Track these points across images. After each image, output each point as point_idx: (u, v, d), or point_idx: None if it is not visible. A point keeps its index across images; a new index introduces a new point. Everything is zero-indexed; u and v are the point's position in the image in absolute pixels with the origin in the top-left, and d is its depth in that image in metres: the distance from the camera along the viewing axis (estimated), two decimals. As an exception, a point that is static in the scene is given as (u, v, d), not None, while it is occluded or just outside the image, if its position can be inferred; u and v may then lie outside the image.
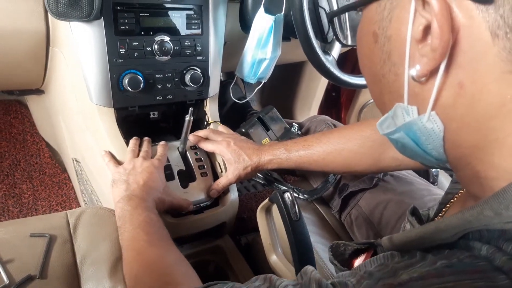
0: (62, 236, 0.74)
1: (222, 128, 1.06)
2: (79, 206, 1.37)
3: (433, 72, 0.32)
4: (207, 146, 0.99)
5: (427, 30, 0.31)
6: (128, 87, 0.91)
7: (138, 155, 0.91)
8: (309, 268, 0.42)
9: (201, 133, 1.02)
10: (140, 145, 0.95)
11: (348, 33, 0.39)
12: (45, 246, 0.71)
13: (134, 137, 0.95)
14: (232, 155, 0.95)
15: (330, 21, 0.44)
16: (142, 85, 0.92)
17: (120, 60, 0.90)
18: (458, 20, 0.30)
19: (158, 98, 0.98)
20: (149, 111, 1.05)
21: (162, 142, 0.97)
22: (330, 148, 0.90)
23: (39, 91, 1.24)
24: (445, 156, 0.38)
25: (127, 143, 0.95)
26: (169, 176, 0.93)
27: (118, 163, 0.90)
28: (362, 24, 0.38)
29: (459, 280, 0.30)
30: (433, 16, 0.30)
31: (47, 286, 0.67)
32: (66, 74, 0.99)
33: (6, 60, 0.97)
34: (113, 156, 0.92)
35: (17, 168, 1.45)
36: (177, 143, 0.99)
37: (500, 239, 0.31)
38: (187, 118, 0.91)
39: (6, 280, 0.65)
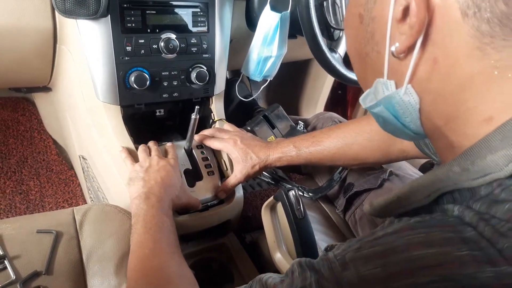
0: (69, 233, 0.74)
1: (228, 126, 1.05)
2: (86, 203, 1.38)
3: (410, 49, 0.35)
4: (213, 144, 0.99)
5: (406, 11, 0.34)
6: (134, 85, 0.91)
7: (149, 154, 0.91)
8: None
9: (207, 132, 1.02)
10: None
11: (338, 17, 0.43)
12: (51, 242, 0.71)
13: (142, 144, 0.94)
14: (239, 153, 0.95)
15: (321, 4, 0.48)
16: (148, 82, 0.92)
17: (126, 58, 0.90)
18: (433, 0, 0.33)
19: (164, 96, 0.98)
20: (155, 108, 1.05)
21: (169, 144, 0.97)
22: (340, 143, 0.90)
23: (46, 89, 1.25)
24: (422, 128, 0.41)
25: (133, 141, 0.95)
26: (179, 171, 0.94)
27: (135, 160, 0.90)
28: (350, 6, 0.42)
29: (430, 232, 0.33)
30: (413, 4, 0.33)
31: (53, 282, 0.67)
32: (73, 72, 0.99)
33: (14, 57, 0.98)
34: (130, 153, 0.92)
35: (25, 165, 1.46)
36: (183, 143, 0.99)
37: (470, 200, 0.34)
38: (193, 116, 0.91)
39: (12, 275, 0.65)
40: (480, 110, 0.34)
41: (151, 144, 0.94)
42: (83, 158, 1.15)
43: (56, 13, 0.90)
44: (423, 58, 0.36)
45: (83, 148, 1.13)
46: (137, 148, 0.93)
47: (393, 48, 0.37)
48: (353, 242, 0.38)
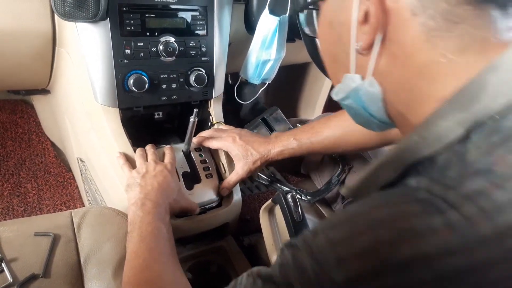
0: (66, 236, 0.74)
1: (224, 127, 1.06)
2: (83, 205, 1.38)
3: (372, 46, 0.41)
4: (212, 144, 0.99)
5: (367, 15, 0.40)
6: (133, 88, 0.91)
7: (146, 158, 0.90)
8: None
9: (204, 133, 1.02)
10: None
11: (315, 25, 0.48)
12: (49, 245, 0.71)
13: (140, 148, 0.94)
14: (239, 150, 0.95)
15: (296, 15, 0.55)
16: (147, 85, 0.92)
17: (125, 61, 0.90)
18: (388, 4, 0.39)
19: (163, 98, 0.98)
20: (153, 111, 1.05)
21: (167, 146, 0.97)
22: (340, 131, 0.92)
23: (45, 91, 1.25)
24: (386, 117, 0.46)
25: (132, 143, 0.95)
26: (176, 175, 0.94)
27: (133, 166, 0.90)
28: (322, 15, 0.48)
29: (390, 198, 0.37)
30: (371, 3, 0.39)
31: (50, 285, 0.67)
32: (72, 74, 0.99)
33: (13, 60, 0.98)
34: (128, 158, 0.91)
35: (22, 168, 1.46)
36: (181, 145, 1.00)
37: (430, 171, 0.37)
38: (191, 119, 0.91)
39: (10, 278, 0.65)
40: (434, 92, 0.39)
41: (148, 147, 0.94)
42: (81, 160, 1.15)
43: (56, 16, 0.90)
44: (384, 54, 0.41)
45: (81, 150, 1.13)
46: (135, 151, 0.93)
47: (357, 47, 0.42)
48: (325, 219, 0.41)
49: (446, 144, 0.36)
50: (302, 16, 0.59)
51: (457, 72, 0.37)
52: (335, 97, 0.49)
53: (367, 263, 0.33)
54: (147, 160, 0.90)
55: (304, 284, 0.37)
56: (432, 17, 0.37)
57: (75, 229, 0.76)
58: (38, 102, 1.52)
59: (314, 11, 0.51)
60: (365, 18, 0.40)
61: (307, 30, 0.57)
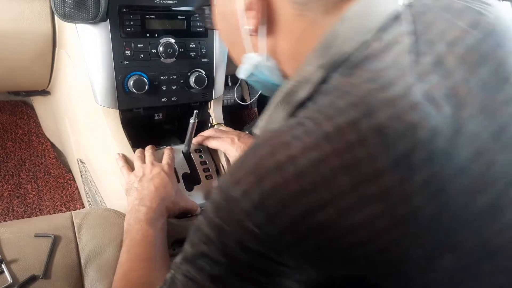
0: (67, 237, 0.74)
1: (225, 128, 1.06)
2: (83, 206, 1.38)
3: (259, 28, 0.49)
4: (211, 143, 0.99)
5: (250, 3, 0.47)
6: (133, 89, 0.91)
7: (144, 160, 0.90)
8: None
9: (204, 133, 1.02)
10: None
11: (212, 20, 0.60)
12: (49, 247, 0.71)
13: (139, 149, 0.93)
14: (238, 151, 0.94)
15: (198, 12, 0.65)
16: (147, 87, 0.92)
17: (125, 62, 0.90)
18: None
19: (163, 100, 0.98)
20: (153, 113, 1.05)
21: (167, 147, 0.97)
22: None
23: (45, 92, 1.25)
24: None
25: (132, 145, 0.95)
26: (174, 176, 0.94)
27: (132, 168, 0.89)
28: (214, 9, 0.56)
29: (276, 130, 0.43)
30: None
31: (50, 286, 0.67)
32: (72, 76, 0.99)
33: (13, 61, 0.98)
34: (127, 161, 0.91)
35: (22, 169, 1.46)
36: (181, 147, 0.99)
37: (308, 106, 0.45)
38: (191, 120, 0.91)
39: (10, 279, 0.65)
40: (308, 51, 0.46)
41: (147, 149, 0.94)
42: (81, 161, 1.15)
43: (56, 17, 0.90)
44: (270, 32, 0.49)
45: (81, 151, 1.13)
46: (135, 152, 0.93)
47: (247, 30, 0.49)
48: None
49: (314, 85, 0.45)
50: (203, 12, 0.72)
51: (322, 31, 0.45)
52: (240, 75, 0.57)
53: (253, 176, 0.40)
54: (145, 162, 0.90)
55: (214, 228, 0.43)
56: None
57: (76, 231, 0.76)
58: (38, 103, 1.52)
59: (209, 8, 0.60)
60: (249, 6, 0.47)
61: (208, 25, 0.68)
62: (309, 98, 0.45)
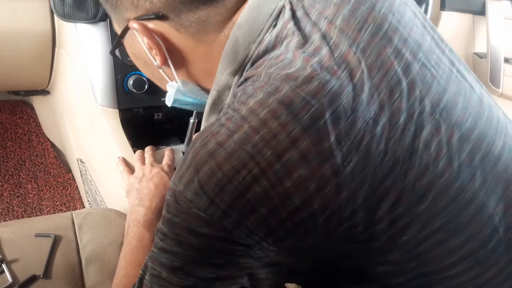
0: (67, 237, 0.74)
1: None
2: (83, 206, 1.38)
3: (166, 60, 0.53)
4: None
5: (150, 44, 0.52)
6: (133, 88, 0.91)
7: (144, 162, 0.90)
8: None
9: None
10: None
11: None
12: (49, 246, 0.71)
13: (139, 150, 0.93)
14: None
15: (112, 54, 0.68)
16: (146, 86, 0.92)
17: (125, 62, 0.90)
18: (156, 31, 0.51)
19: (163, 99, 0.98)
20: (153, 112, 1.05)
21: (168, 148, 0.97)
22: None
23: (44, 92, 1.25)
24: None
25: (131, 144, 0.95)
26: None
27: (133, 171, 0.89)
28: (129, 51, 0.60)
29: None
30: (144, 36, 0.51)
31: (50, 286, 0.67)
32: (71, 75, 0.99)
33: (12, 61, 0.98)
34: (127, 164, 0.91)
35: (22, 168, 1.46)
36: (181, 146, 1.00)
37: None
38: (191, 120, 0.91)
39: (10, 279, 0.65)
40: (216, 64, 0.52)
41: (147, 150, 0.93)
42: (81, 161, 1.15)
43: (55, 17, 0.90)
44: (180, 61, 0.54)
45: (81, 151, 1.13)
46: (135, 152, 0.93)
47: (157, 64, 0.54)
48: None
49: (232, 89, 0.51)
50: (118, 52, 0.81)
51: (221, 44, 0.51)
52: (168, 103, 0.61)
53: (192, 168, 0.43)
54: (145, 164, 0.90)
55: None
56: (190, 26, 0.50)
57: (76, 231, 0.76)
58: (38, 103, 1.52)
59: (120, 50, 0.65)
60: (150, 46, 0.53)
61: (127, 62, 0.77)
62: None
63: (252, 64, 0.49)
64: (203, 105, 0.58)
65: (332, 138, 0.42)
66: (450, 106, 0.48)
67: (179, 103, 0.60)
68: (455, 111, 0.48)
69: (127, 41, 0.57)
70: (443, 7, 1.62)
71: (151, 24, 0.51)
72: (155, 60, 0.54)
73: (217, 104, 0.54)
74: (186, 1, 0.49)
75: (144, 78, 0.92)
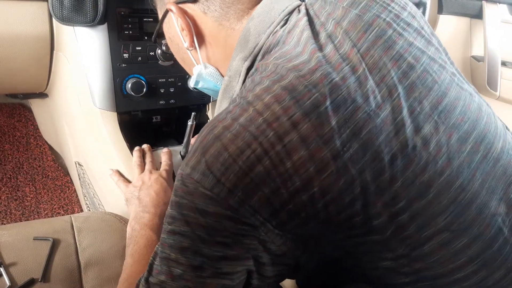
0: (66, 240, 0.74)
1: None
2: (81, 209, 1.37)
3: (194, 42, 0.60)
4: None
5: (182, 25, 0.59)
6: (131, 92, 0.91)
7: (143, 168, 0.90)
8: None
9: None
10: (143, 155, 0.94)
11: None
12: (48, 250, 0.71)
13: (136, 148, 0.93)
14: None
15: (155, 42, 0.74)
16: (145, 89, 0.92)
17: (123, 65, 0.90)
18: (189, 14, 0.59)
19: (161, 102, 0.98)
20: (151, 115, 1.05)
21: (165, 149, 0.96)
22: None
23: (42, 95, 1.25)
24: None
25: (130, 147, 0.95)
26: (173, 180, 0.94)
27: (127, 180, 0.89)
28: (166, 36, 0.67)
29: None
30: (179, 16, 0.58)
31: (49, 290, 0.67)
32: (69, 78, 0.99)
33: (11, 64, 0.98)
34: (120, 174, 0.91)
35: (20, 171, 1.46)
36: (179, 148, 1.00)
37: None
38: (189, 123, 0.91)
39: (8, 283, 0.65)
40: (232, 52, 0.57)
41: (147, 153, 0.93)
42: (79, 164, 1.15)
43: (54, 20, 0.90)
44: (203, 44, 0.61)
45: (79, 154, 1.13)
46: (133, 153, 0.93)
47: (186, 45, 0.61)
48: None
49: (242, 76, 0.56)
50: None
51: (239, 33, 0.57)
52: (190, 85, 0.68)
53: (199, 151, 0.46)
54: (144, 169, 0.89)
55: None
56: (215, 10, 0.57)
57: (76, 234, 0.76)
58: (36, 105, 1.52)
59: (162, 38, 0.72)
60: (182, 27, 0.59)
61: (165, 49, 0.84)
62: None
63: (263, 55, 0.54)
64: (218, 92, 0.63)
65: (333, 123, 0.44)
66: (449, 109, 0.50)
67: (200, 85, 0.65)
68: (454, 114, 0.50)
69: (165, 25, 0.65)
70: (440, 10, 1.63)
71: (184, 7, 0.59)
72: (185, 42, 0.61)
73: (228, 89, 0.59)
74: None
75: (143, 82, 0.92)
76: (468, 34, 1.76)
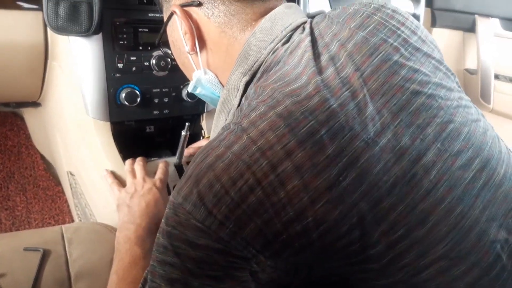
0: (56, 251, 0.73)
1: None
2: (72, 219, 1.36)
3: (195, 46, 0.60)
4: None
5: (186, 28, 0.59)
6: (125, 102, 0.91)
7: (135, 174, 0.89)
8: None
9: (196, 144, 1.01)
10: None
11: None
12: (38, 261, 0.70)
13: (129, 159, 0.92)
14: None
15: (158, 46, 0.74)
16: (139, 99, 0.92)
17: (117, 75, 0.90)
18: (193, 18, 0.59)
19: (155, 112, 0.98)
20: (145, 125, 1.05)
21: (162, 161, 0.95)
22: None
23: (35, 104, 1.24)
24: None
25: (123, 157, 0.94)
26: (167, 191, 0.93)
27: (121, 184, 0.88)
28: (169, 39, 0.68)
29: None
30: (183, 19, 0.59)
31: (39, 302, 0.66)
32: (63, 88, 0.99)
33: (4, 73, 0.97)
34: (115, 176, 0.90)
35: (11, 181, 1.45)
36: (173, 158, 0.99)
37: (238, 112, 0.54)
38: (183, 133, 0.91)
39: (-3, 294, 0.64)
40: (233, 62, 0.57)
41: (138, 161, 0.92)
42: (71, 174, 1.14)
43: (48, 30, 0.90)
44: (204, 50, 0.61)
45: (71, 164, 1.12)
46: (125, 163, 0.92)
47: (187, 49, 0.61)
48: None
49: (240, 91, 0.56)
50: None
51: (242, 45, 0.57)
52: (189, 90, 0.67)
53: (191, 181, 0.45)
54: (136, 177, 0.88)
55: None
56: (219, 16, 0.57)
57: (66, 245, 0.75)
58: (29, 114, 1.51)
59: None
60: (185, 31, 0.60)
61: (168, 53, 0.80)
62: (239, 105, 0.56)
63: (263, 73, 0.54)
64: (216, 101, 0.63)
65: (328, 152, 0.43)
66: (453, 136, 0.49)
67: (198, 91, 0.66)
68: (458, 140, 0.49)
69: (169, 28, 0.65)
70: (434, 24, 1.65)
71: (189, 10, 0.59)
72: (186, 46, 0.61)
73: (226, 103, 0.58)
74: None
75: (137, 92, 0.92)
76: (462, 47, 1.78)
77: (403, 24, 0.54)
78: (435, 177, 0.46)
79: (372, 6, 0.55)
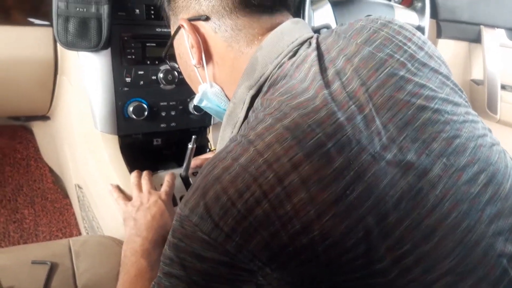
0: (64, 264, 0.73)
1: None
2: (80, 232, 1.36)
3: (202, 60, 0.61)
4: None
5: (193, 42, 0.60)
6: (133, 115, 0.92)
7: (141, 187, 0.89)
8: None
9: (203, 156, 1.02)
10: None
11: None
12: (46, 274, 0.70)
13: (135, 172, 0.92)
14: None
15: (165, 59, 0.73)
16: (146, 112, 0.93)
17: (125, 89, 0.91)
18: (200, 32, 0.59)
19: (162, 125, 0.98)
20: (152, 138, 1.06)
21: (168, 173, 0.96)
22: None
23: (45, 118, 1.26)
24: None
25: (130, 170, 0.95)
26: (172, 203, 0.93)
27: (127, 198, 0.89)
28: (176, 52, 0.68)
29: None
30: (190, 33, 0.59)
31: (46, 315, 0.66)
32: (72, 102, 1.00)
33: (15, 87, 0.99)
34: (121, 190, 0.90)
35: (20, 193, 1.46)
36: (180, 170, 0.99)
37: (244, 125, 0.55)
38: (190, 146, 0.91)
39: (5, 308, 0.64)
40: (239, 76, 0.57)
41: (144, 175, 0.93)
42: (79, 187, 1.15)
43: (58, 45, 0.91)
44: (210, 63, 0.61)
45: (79, 177, 1.13)
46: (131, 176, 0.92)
47: (194, 63, 0.61)
48: None
49: (246, 104, 0.56)
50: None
51: (248, 59, 0.57)
52: (195, 103, 0.68)
53: (198, 193, 0.45)
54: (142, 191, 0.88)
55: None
56: (226, 30, 0.58)
57: (73, 258, 0.75)
58: (38, 128, 1.53)
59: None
60: (192, 45, 0.60)
61: (175, 67, 0.77)
62: (245, 118, 0.56)
63: (269, 87, 0.54)
64: (221, 114, 0.63)
65: (336, 165, 0.43)
66: (459, 150, 0.49)
67: (204, 104, 0.66)
68: (464, 155, 0.49)
69: (176, 41, 0.66)
70: (439, 35, 1.65)
71: (196, 24, 0.59)
72: (193, 59, 0.61)
73: (232, 116, 0.59)
74: (229, 10, 0.57)
75: (144, 105, 0.93)
76: (467, 58, 1.78)
77: (410, 40, 0.54)
78: (441, 192, 0.46)
79: (379, 22, 0.55)
